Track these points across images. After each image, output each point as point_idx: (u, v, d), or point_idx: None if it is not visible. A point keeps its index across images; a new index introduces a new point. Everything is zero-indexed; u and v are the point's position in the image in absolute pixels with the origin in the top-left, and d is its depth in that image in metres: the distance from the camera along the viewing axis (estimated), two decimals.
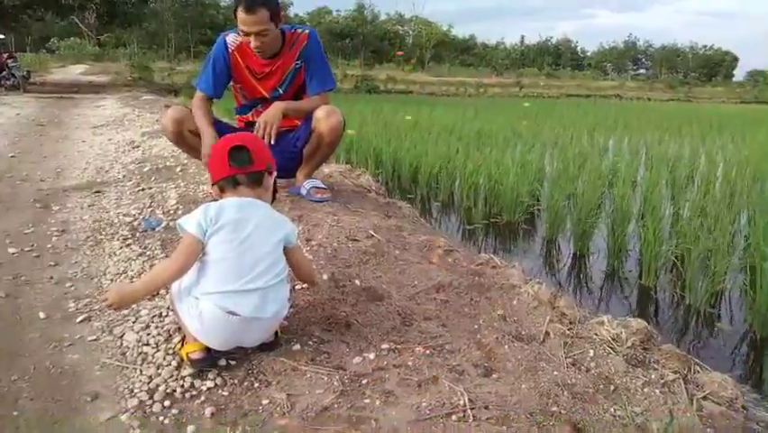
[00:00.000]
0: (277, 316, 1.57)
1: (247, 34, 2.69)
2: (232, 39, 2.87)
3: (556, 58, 62.05)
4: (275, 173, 1.74)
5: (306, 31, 2.94)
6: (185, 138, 2.91)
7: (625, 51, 61.52)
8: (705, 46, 61.53)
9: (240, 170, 1.62)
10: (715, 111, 18.18)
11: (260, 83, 2.95)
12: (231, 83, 3.01)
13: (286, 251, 1.63)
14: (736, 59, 61.17)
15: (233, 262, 1.50)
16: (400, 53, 39.09)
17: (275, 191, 1.78)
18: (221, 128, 2.98)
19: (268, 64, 2.87)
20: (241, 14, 2.63)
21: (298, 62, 2.91)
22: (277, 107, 2.78)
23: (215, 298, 1.47)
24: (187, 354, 1.54)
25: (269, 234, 1.58)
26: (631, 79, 50.35)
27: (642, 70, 61.82)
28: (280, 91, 2.95)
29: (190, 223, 1.51)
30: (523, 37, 61.63)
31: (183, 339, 1.62)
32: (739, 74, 61.26)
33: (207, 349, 1.54)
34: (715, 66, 59.82)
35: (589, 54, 64.23)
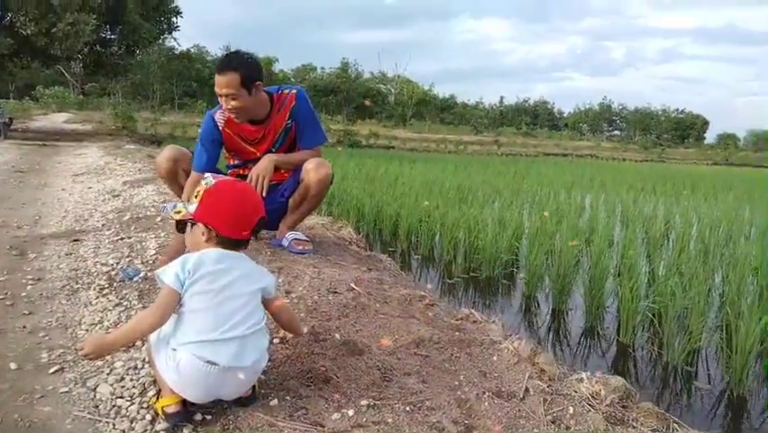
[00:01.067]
0: (255, 366, 1.55)
1: (219, 96, 2.74)
2: (219, 116, 2.91)
3: (534, 118, 63.80)
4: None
5: (294, 90, 3.00)
6: (178, 178, 2.93)
7: (600, 113, 63.52)
8: (677, 109, 63.85)
9: (250, 238, 1.64)
10: (687, 172, 18.73)
11: (254, 147, 3.00)
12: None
13: (265, 301, 1.63)
14: (706, 123, 63.42)
15: (211, 312, 1.48)
16: (368, 103, 39.92)
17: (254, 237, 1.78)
18: (211, 172, 3.01)
19: (259, 130, 2.92)
20: (215, 75, 2.69)
21: (289, 122, 2.97)
22: (269, 160, 2.82)
23: (193, 347, 1.45)
24: (162, 407, 1.51)
25: (248, 285, 1.57)
26: (606, 140, 51.81)
27: (616, 131, 63.73)
28: (273, 151, 3.00)
29: (168, 274, 1.50)
30: (502, 97, 63.44)
31: (158, 392, 1.58)
32: (710, 137, 63.45)
33: (183, 403, 1.51)
34: (687, 128, 61.90)
35: (565, 115, 66.16)
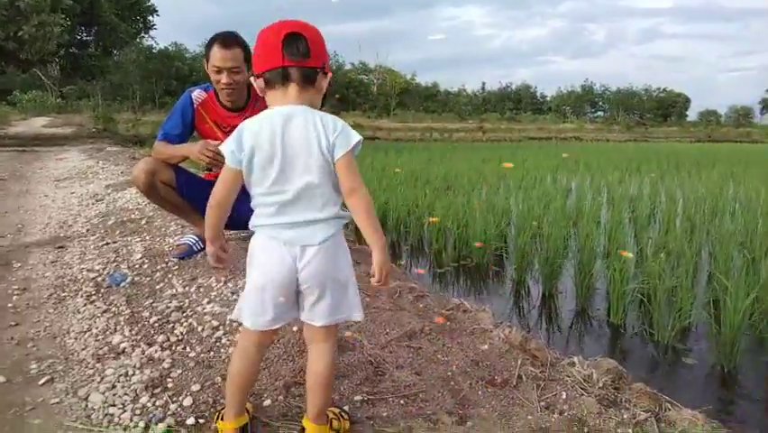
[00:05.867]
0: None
1: (219, 71, 2.72)
2: (197, 94, 2.91)
3: (517, 103, 63.85)
4: (330, 74, 1.46)
5: None
6: (157, 189, 2.88)
7: (582, 95, 63.70)
8: (659, 88, 64.18)
9: (294, 63, 1.36)
10: (671, 150, 18.87)
11: (226, 135, 2.96)
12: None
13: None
14: (688, 100, 63.87)
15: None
16: (340, 99, 39.72)
17: (325, 96, 1.49)
18: (188, 179, 2.97)
19: (235, 117, 2.89)
20: (216, 50, 2.68)
21: None
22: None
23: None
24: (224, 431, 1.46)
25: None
26: (590, 122, 52.02)
27: (600, 113, 63.96)
28: None
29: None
30: (484, 83, 63.31)
31: (220, 412, 1.54)
32: (692, 114, 63.95)
33: (243, 428, 1.46)
34: (669, 107, 62.30)
35: (548, 99, 66.29)
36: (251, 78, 1.45)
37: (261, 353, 1.49)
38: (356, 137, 1.39)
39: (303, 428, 1.46)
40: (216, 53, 2.69)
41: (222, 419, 1.48)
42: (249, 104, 2.91)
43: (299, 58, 1.35)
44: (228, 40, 2.70)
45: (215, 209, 1.41)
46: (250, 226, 1.42)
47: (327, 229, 1.38)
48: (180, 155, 2.83)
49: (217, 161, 2.54)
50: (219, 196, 1.40)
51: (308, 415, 1.45)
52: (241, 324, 1.45)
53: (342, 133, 1.37)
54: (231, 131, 3.10)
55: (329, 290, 1.39)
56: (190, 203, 2.96)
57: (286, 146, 1.35)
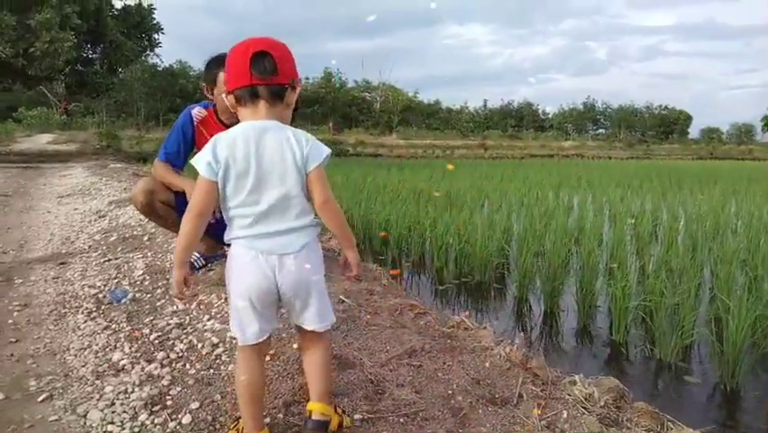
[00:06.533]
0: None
1: (216, 94, 2.77)
2: (197, 111, 2.94)
3: (518, 120, 64.00)
4: (299, 89, 1.52)
5: None
6: (155, 209, 2.89)
7: (584, 113, 63.81)
8: (660, 106, 64.27)
9: (262, 81, 1.41)
10: (673, 167, 18.88)
11: None
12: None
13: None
14: (690, 118, 63.92)
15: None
16: (334, 129, 40.09)
17: (295, 109, 1.55)
18: (186, 199, 2.99)
19: None
20: (219, 73, 2.71)
21: None
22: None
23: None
24: None
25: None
26: (591, 139, 52.09)
27: (601, 130, 63.99)
28: None
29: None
30: (486, 101, 63.41)
31: (236, 421, 1.57)
32: (694, 131, 63.96)
33: None
34: (670, 124, 62.36)
35: (550, 116, 66.44)
36: (223, 96, 1.50)
37: (262, 361, 1.54)
38: (326, 150, 1.47)
39: (310, 412, 1.51)
40: (221, 75, 2.70)
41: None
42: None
43: (267, 76, 1.41)
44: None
45: (197, 219, 1.43)
46: (225, 240, 1.46)
47: (304, 237, 1.45)
48: (178, 186, 2.83)
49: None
50: (200, 205, 1.42)
51: (312, 397, 1.53)
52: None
53: (313, 147, 1.44)
54: None
55: (313, 295, 1.46)
56: None
57: (260, 158, 1.40)
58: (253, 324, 1.42)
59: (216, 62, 2.74)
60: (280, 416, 1.67)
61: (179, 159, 2.92)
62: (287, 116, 1.49)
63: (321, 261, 1.51)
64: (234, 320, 1.45)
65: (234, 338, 2.19)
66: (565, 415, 1.74)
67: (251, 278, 1.40)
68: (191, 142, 2.95)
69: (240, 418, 1.55)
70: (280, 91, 1.44)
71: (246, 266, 1.41)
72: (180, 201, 2.94)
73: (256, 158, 1.40)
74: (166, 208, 2.88)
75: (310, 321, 1.48)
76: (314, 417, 1.50)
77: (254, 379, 1.47)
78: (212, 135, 2.89)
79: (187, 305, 2.59)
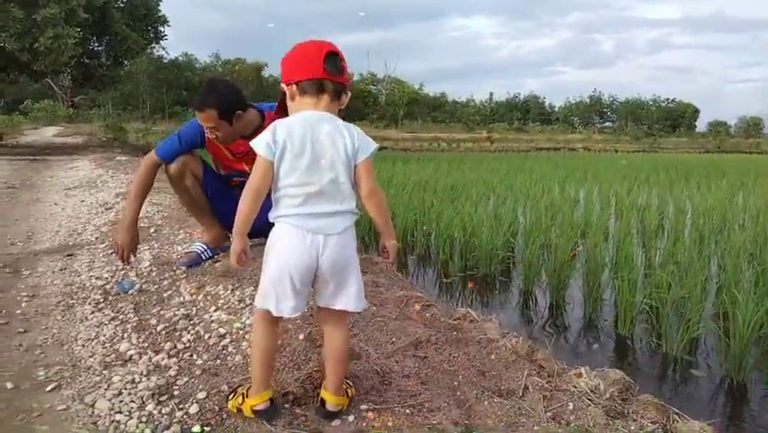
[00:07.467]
0: None
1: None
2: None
3: (525, 113, 63.76)
4: (350, 93, 1.63)
5: None
6: (185, 179, 2.97)
7: (591, 106, 63.52)
8: (667, 99, 63.92)
9: (331, 77, 1.53)
10: (680, 160, 18.79)
11: (238, 159, 3.01)
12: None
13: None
14: (697, 111, 63.54)
15: None
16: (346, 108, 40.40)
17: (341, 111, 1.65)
18: (214, 179, 3.09)
19: (245, 144, 2.90)
20: (196, 110, 2.74)
21: None
22: None
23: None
24: (251, 407, 1.58)
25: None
26: (598, 132, 51.89)
27: (608, 123, 63.73)
28: None
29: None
30: (491, 94, 63.31)
31: (233, 393, 1.67)
32: (701, 125, 63.62)
33: (271, 400, 1.60)
34: (678, 117, 62.01)
35: (556, 109, 66.15)
36: (282, 85, 1.59)
37: (279, 328, 1.66)
38: (374, 144, 1.60)
39: (323, 400, 1.61)
40: (196, 113, 2.73)
41: (245, 398, 1.60)
42: (260, 129, 2.91)
43: (336, 73, 1.54)
44: (200, 102, 2.68)
45: (254, 196, 1.51)
46: (270, 218, 1.53)
47: (346, 220, 1.55)
48: (129, 205, 2.90)
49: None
50: (257, 183, 1.50)
51: (328, 387, 1.61)
52: (253, 315, 1.61)
53: (363, 140, 1.57)
54: (243, 155, 3.13)
55: (353, 274, 1.56)
56: (210, 203, 3.07)
57: (315, 142, 1.50)
58: (290, 300, 1.50)
59: (196, 99, 2.75)
60: (287, 406, 1.68)
61: (189, 148, 2.94)
62: (337, 115, 1.60)
63: (356, 245, 1.60)
64: (268, 294, 1.51)
65: (240, 328, 2.21)
66: (571, 407, 1.74)
67: (296, 255, 1.48)
68: (200, 143, 2.96)
69: (234, 390, 1.68)
70: (341, 90, 1.58)
71: (292, 243, 1.49)
72: (208, 179, 3.07)
73: (311, 142, 1.49)
74: (194, 181, 2.99)
75: (346, 302, 1.54)
76: (328, 406, 1.61)
77: (271, 345, 1.59)
78: (216, 148, 2.93)
79: (194, 296, 2.60)
